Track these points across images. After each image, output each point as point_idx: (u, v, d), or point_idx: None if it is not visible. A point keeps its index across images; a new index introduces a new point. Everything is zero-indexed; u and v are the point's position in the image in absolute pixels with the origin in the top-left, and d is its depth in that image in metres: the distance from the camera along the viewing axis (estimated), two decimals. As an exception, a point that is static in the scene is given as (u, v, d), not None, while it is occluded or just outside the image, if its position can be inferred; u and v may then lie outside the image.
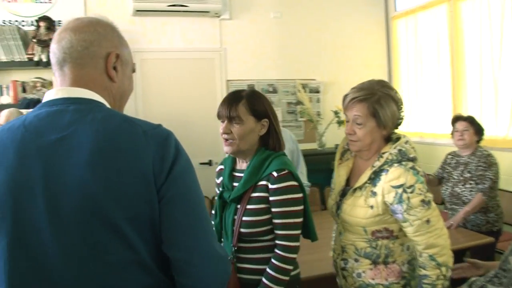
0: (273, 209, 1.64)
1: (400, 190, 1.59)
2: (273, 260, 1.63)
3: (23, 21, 4.27)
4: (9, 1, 4.23)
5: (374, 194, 1.66)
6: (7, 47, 4.03)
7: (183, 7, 4.37)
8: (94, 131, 0.96)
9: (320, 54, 5.08)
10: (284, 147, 1.78)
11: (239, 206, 1.69)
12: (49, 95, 1.05)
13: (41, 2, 4.30)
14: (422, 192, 1.60)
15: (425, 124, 4.86)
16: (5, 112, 3.42)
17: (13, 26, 4.07)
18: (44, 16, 4.15)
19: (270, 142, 1.72)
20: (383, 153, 1.68)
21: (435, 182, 3.45)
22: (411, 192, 1.58)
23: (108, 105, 1.07)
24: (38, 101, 3.93)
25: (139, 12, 4.37)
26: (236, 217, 1.68)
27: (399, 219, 1.62)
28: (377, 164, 1.66)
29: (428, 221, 1.59)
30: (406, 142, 1.69)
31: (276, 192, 1.63)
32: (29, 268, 0.94)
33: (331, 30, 5.11)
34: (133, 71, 1.22)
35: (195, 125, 4.46)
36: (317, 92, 5.11)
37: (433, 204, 1.63)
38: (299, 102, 5.01)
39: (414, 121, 4.99)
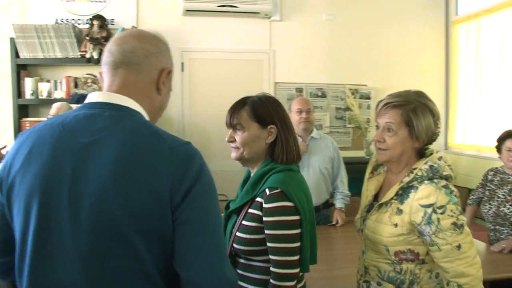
0: (265, 231, 1.47)
1: (429, 210, 1.45)
2: None
3: (79, 19, 4.39)
4: (67, 1, 4.37)
5: (400, 212, 1.52)
6: (62, 44, 4.16)
7: (232, 8, 4.33)
8: (122, 140, 0.99)
9: (373, 59, 4.87)
10: (299, 159, 1.61)
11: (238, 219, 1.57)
12: (91, 97, 1.10)
13: (96, 1, 4.40)
14: (454, 214, 1.44)
15: (483, 138, 4.52)
16: (57, 104, 3.52)
17: (69, 25, 4.18)
18: (98, 15, 4.25)
19: (275, 151, 1.56)
20: (414, 168, 1.54)
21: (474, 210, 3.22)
22: (442, 213, 1.43)
23: (145, 114, 1.09)
24: (87, 96, 4.00)
25: (189, 12, 4.38)
26: (233, 230, 1.56)
27: (426, 241, 1.47)
28: (406, 179, 1.53)
29: (459, 247, 1.42)
30: (440, 158, 1.56)
31: (267, 212, 1.46)
32: (48, 256, 0.98)
33: (386, 34, 4.89)
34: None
35: (240, 127, 4.37)
36: (368, 98, 4.91)
37: (467, 229, 1.46)
38: (348, 108, 4.84)
39: (471, 133, 4.68)
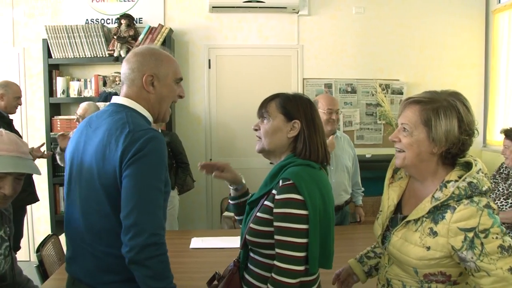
0: (273, 223, 1.45)
1: (470, 234, 1.28)
2: (268, 283, 1.47)
3: (107, 19, 4.45)
4: (97, 1, 4.44)
5: (434, 233, 1.35)
6: (91, 44, 4.23)
7: (259, 3, 4.28)
8: (106, 127, 1.48)
9: (405, 53, 4.68)
10: (325, 159, 1.59)
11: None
12: (112, 100, 1.60)
13: (124, 1, 4.45)
14: (499, 236, 1.27)
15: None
16: (84, 104, 3.62)
17: (97, 24, 4.25)
18: (125, 14, 4.31)
19: (298, 145, 1.56)
20: (447, 181, 1.37)
21: None
22: (485, 237, 1.27)
23: (142, 109, 1.56)
24: (115, 94, 4.07)
25: (215, 8, 4.35)
26: (249, 221, 1.57)
27: (470, 267, 1.30)
28: (440, 196, 1.35)
29: (510, 270, 1.26)
30: (479, 170, 1.36)
31: (277, 204, 1.45)
32: (70, 205, 1.58)
33: (419, 26, 4.68)
34: (180, 80, 1.63)
35: (267, 124, 4.32)
36: (400, 93, 4.73)
37: None
38: (378, 104, 4.68)
39: (513, 130, 4.40)
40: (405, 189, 1.56)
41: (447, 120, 1.36)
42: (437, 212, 1.35)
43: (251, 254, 1.58)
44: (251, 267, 1.57)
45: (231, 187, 1.81)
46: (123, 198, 1.38)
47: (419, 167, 1.44)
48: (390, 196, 1.56)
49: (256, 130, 1.61)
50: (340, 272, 1.79)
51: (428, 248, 1.35)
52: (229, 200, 1.82)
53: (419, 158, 1.41)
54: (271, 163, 1.65)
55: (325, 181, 1.55)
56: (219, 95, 4.56)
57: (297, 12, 4.50)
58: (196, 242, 2.84)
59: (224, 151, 4.62)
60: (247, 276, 1.57)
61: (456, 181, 1.35)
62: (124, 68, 1.57)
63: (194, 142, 4.13)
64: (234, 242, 2.78)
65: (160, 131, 3.69)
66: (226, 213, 3.97)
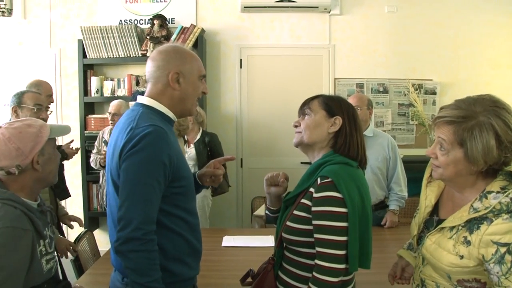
0: (312, 221, 1.45)
1: (503, 250, 1.22)
2: (309, 282, 1.45)
3: (140, 20, 4.52)
4: (131, 2, 4.51)
5: (467, 243, 1.29)
6: (125, 44, 4.29)
7: (291, 3, 4.27)
8: (122, 125, 1.55)
9: (439, 52, 4.60)
10: (363, 158, 1.58)
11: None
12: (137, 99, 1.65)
13: (157, 2, 4.51)
14: None
15: None
16: (115, 102, 3.72)
17: (131, 25, 4.31)
18: (158, 14, 4.36)
19: (338, 141, 1.56)
20: (488, 192, 1.30)
21: None
22: None
23: (162, 107, 1.58)
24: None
25: (247, 8, 4.37)
26: (285, 219, 1.56)
27: (492, 280, 1.26)
28: (479, 207, 1.29)
29: None
30: None
31: (316, 202, 1.46)
32: (107, 192, 1.64)
33: (453, 24, 4.60)
34: (203, 76, 1.67)
35: (298, 124, 4.31)
36: (433, 93, 4.65)
37: None
38: (411, 104, 4.61)
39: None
40: (443, 190, 1.51)
41: (483, 140, 1.26)
42: (473, 221, 1.30)
43: (286, 253, 1.58)
44: (286, 265, 1.57)
45: (271, 207, 1.76)
46: (119, 191, 1.46)
47: (457, 181, 1.37)
48: (427, 196, 1.52)
49: (296, 126, 1.62)
50: (393, 270, 1.74)
51: (462, 257, 1.30)
52: (270, 214, 1.77)
53: (457, 175, 1.35)
54: (302, 162, 1.65)
55: (363, 179, 1.55)
56: (250, 95, 4.57)
57: (329, 12, 4.48)
58: (228, 241, 2.84)
59: (255, 151, 4.62)
60: (281, 275, 1.57)
61: (498, 192, 1.28)
62: (149, 66, 1.59)
63: (226, 142, 4.13)
64: (266, 241, 2.79)
65: (201, 131, 3.72)
66: (257, 212, 3.96)
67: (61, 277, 1.68)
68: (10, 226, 1.35)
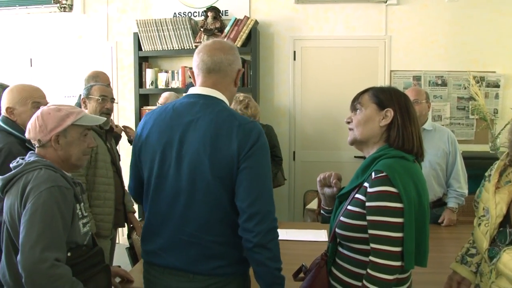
0: (367, 217, 1.41)
1: None
2: (363, 280, 1.41)
3: (194, 12, 4.55)
4: (184, -5, 4.55)
5: None
6: (179, 37, 4.34)
7: (347, -7, 4.18)
8: (210, 119, 1.52)
9: (503, 42, 4.35)
10: (419, 151, 1.52)
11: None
12: (192, 90, 1.63)
13: (211, -6, 4.52)
14: None
15: None
16: (165, 94, 3.76)
17: (185, 17, 4.35)
18: (212, 6, 4.38)
19: (391, 134, 1.51)
20: None
21: None
22: None
23: (226, 100, 1.61)
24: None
25: (301, -1, 4.31)
26: (338, 214, 1.53)
27: None
28: None
29: None
30: None
31: (370, 197, 1.41)
32: (161, 194, 1.58)
33: (520, 12, 4.36)
34: None
35: (352, 117, 4.21)
36: (496, 86, 4.42)
37: None
38: (471, 98, 4.41)
39: None
40: None
41: None
42: None
43: (340, 249, 1.55)
44: (340, 261, 1.53)
45: (326, 207, 1.73)
46: (245, 187, 1.48)
47: None
48: (498, 204, 1.40)
49: (348, 122, 1.59)
50: (449, 284, 1.67)
51: None
52: (325, 214, 1.74)
53: None
54: (356, 157, 1.60)
55: (420, 174, 1.48)
56: (304, 87, 4.51)
57: (385, 2, 4.34)
58: (281, 234, 2.76)
59: (308, 144, 4.56)
60: (335, 271, 1.54)
61: None
62: (220, 58, 1.58)
63: (278, 134, 4.08)
64: (319, 235, 2.73)
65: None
66: (309, 206, 3.90)
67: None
68: (56, 185, 1.54)
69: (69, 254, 1.54)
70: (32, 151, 1.71)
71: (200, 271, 1.55)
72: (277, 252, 1.54)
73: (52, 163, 1.63)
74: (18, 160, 1.66)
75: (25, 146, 2.06)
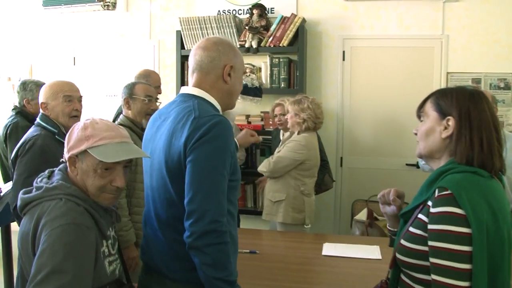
0: (428, 242, 1.21)
1: None
2: None
3: (239, 9, 4.40)
4: (229, -8, 4.41)
5: None
6: (223, 35, 4.19)
7: (402, -11, 3.91)
8: (175, 116, 1.48)
9: None
10: (498, 166, 1.28)
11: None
12: (180, 90, 1.61)
13: (256, -9, 4.36)
14: None
15: None
16: None
17: (229, 15, 4.20)
18: (257, 3, 4.23)
19: (454, 148, 1.28)
20: None
21: None
22: None
23: (212, 99, 1.54)
24: (245, 86, 3.97)
25: (352, -5, 4.07)
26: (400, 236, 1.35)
27: None
28: None
29: None
30: None
31: (432, 218, 1.21)
32: (147, 188, 1.58)
33: None
34: (244, 73, 1.62)
35: (404, 121, 3.95)
36: None
37: None
38: (538, 102, 4.05)
39: None
40: None
41: None
42: None
43: (402, 276, 1.35)
44: None
45: (391, 228, 1.54)
46: (187, 183, 1.38)
47: None
48: None
49: (416, 134, 1.42)
50: None
51: None
52: (392, 236, 1.55)
53: None
54: (407, 164, 1.40)
55: (497, 192, 1.26)
56: (353, 89, 4.27)
57: (443, -2, 4.06)
58: (329, 249, 2.58)
59: (356, 149, 4.31)
60: None
61: None
62: (200, 56, 1.54)
63: (325, 139, 3.88)
64: (371, 252, 2.48)
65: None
66: (358, 217, 3.68)
67: (125, 281, 1.59)
68: (73, 223, 1.31)
69: None
70: (60, 169, 1.49)
71: (167, 272, 1.50)
72: (219, 259, 1.37)
73: (78, 191, 1.41)
74: (42, 178, 1.47)
75: (55, 139, 2.20)
